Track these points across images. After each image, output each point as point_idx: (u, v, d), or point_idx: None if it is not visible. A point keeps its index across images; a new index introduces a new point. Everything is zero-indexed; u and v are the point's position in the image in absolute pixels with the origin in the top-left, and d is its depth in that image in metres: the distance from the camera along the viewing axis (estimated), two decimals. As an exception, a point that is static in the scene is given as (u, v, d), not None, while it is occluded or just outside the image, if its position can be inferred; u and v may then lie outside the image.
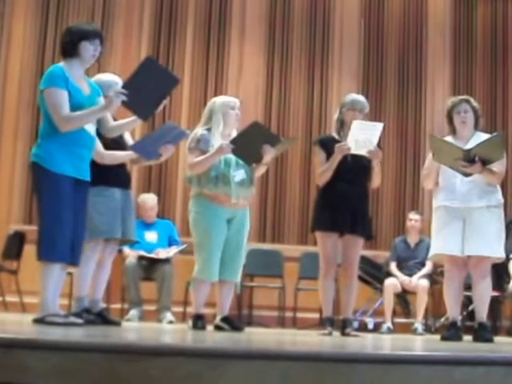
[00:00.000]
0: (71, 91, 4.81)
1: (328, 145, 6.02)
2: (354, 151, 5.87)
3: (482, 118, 6.15)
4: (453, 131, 6.11)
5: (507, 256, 6.31)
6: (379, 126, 5.92)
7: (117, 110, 5.46)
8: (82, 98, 4.84)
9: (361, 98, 6.23)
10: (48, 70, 4.93)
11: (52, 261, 4.73)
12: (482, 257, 5.88)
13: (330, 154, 5.96)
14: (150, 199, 8.84)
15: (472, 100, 6.12)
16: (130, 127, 5.41)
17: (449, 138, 6.03)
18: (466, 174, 5.79)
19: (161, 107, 5.07)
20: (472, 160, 5.67)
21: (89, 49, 4.94)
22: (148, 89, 4.93)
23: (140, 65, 4.96)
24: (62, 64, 4.94)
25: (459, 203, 5.91)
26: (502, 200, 6.01)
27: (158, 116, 9.61)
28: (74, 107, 4.78)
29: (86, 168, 4.93)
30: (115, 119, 5.52)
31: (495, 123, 10.47)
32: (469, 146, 5.76)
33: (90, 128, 4.92)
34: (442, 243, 5.96)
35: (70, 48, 4.94)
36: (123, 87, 4.88)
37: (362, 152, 5.87)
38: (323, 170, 6.02)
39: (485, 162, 5.72)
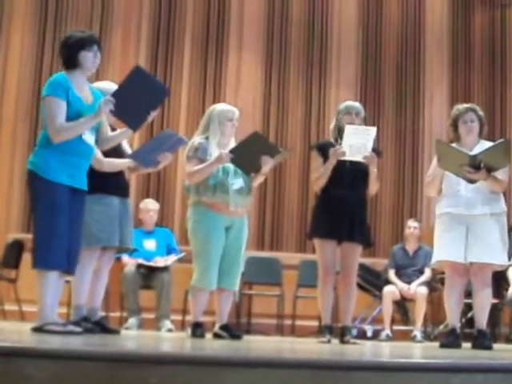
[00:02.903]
0: (71, 101, 4.82)
1: (326, 150, 6.00)
2: (349, 157, 5.87)
3: (486, 127, 6.17)
4: (457, 139, 6.12)
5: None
6: (372, 130, 5.92)
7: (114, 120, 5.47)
8: (82, 107, 4.85)
9: (355, 102, 6.25)
10: (52, 77, 4.95)
11: (47, 268, 4.72)
12: (485, 264, 5.88)
13: (327, 159, 5.96)
14: (151, 203, 8.90)
15: (478, 109, 6.13)
16: (122, 138, 5.42)
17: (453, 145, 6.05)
18: (471, 181, 5.80)
19: (151, 117, 5.07)
20: (478, 166, 5.68)
21: (89, 57, 4.95)
22: (138, 98, 4.93)
23: (129, 74, 4.96)
24: (65, 72, 4.96)
25: (463, 210, 5.91)
26: (505, 208, 6.02)
27: (156, 124, 9.63)
28: (74, 116, 4.79)
29: (83, 177, 4.93)
30: (113, 128, 5.54)
31: (493, 130, 10.45)
32: (474, 153, 5.77)
33: (89, 138, 4.92)
34: (445, 250, 5.95)
35: (70, 60, 4.96)
36: (113, 96, 4.87)
37: (358, 158, 5.87)
38: (319, 176, 6.02)
39: (490, 170, 5.73)
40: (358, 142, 5.83)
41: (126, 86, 4.94)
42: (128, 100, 4.88)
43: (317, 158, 6.10)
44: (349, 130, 5.85)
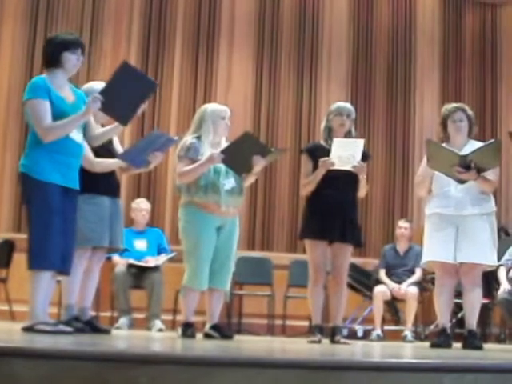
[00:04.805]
0: (54, 101, 4.83)
1: (316, 153, 6.01)
2: (338, 167, 5.85)
3: (475, 126, 6.18)
4: (446, 139, 6.13)
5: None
6: (360, 142, 5.92)
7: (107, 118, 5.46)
8: (65, 107, 4.86)
9: (347, 104, 6.25)
10: (30, 81, 4.95)
11: (43, 269, 4.72)
12: (474, 264, 5.89)
13: (317, 161, 5.95)
14: (143, 203, 8.91)
15: (467, 108, 6.15)
16: (113, 134, 5.41)
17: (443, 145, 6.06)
18: (461, 181, 5.81)
19: (140, 111, 5.09)
20: (468, 166, 5.69)
21: (71, 59, 4.96)
22: (126, 94, 4.96)
23: (117, 70, 5.00)
24: (44, 75, 4.97)
25: (453, 210, 5.92)
26: (494, 208, 6.03)
27: (147, 125, 9.63)
28: (58, 116, 4.80)
29: (75, 176, 4.93)
30: (104, 126, 5.53)
31: (484, 130, 10.50)
32: (464, 153, 5.78)
33: (76, 136, 4.92)
34: (435, 250, 5.96)
35: (52, 59, 4.97)
36: (101, 93, 4.89)
37: (347, 167, 5.86)
38: (307, 183, 6.02)
39: (480, 170, 5.74)
40: (346, 154, 5.83)
41: (113, 82, 4.97)
42: (116, 96, 4.91)
43: (307, 163, 6.10)
44: (336, 143, 5.84)
